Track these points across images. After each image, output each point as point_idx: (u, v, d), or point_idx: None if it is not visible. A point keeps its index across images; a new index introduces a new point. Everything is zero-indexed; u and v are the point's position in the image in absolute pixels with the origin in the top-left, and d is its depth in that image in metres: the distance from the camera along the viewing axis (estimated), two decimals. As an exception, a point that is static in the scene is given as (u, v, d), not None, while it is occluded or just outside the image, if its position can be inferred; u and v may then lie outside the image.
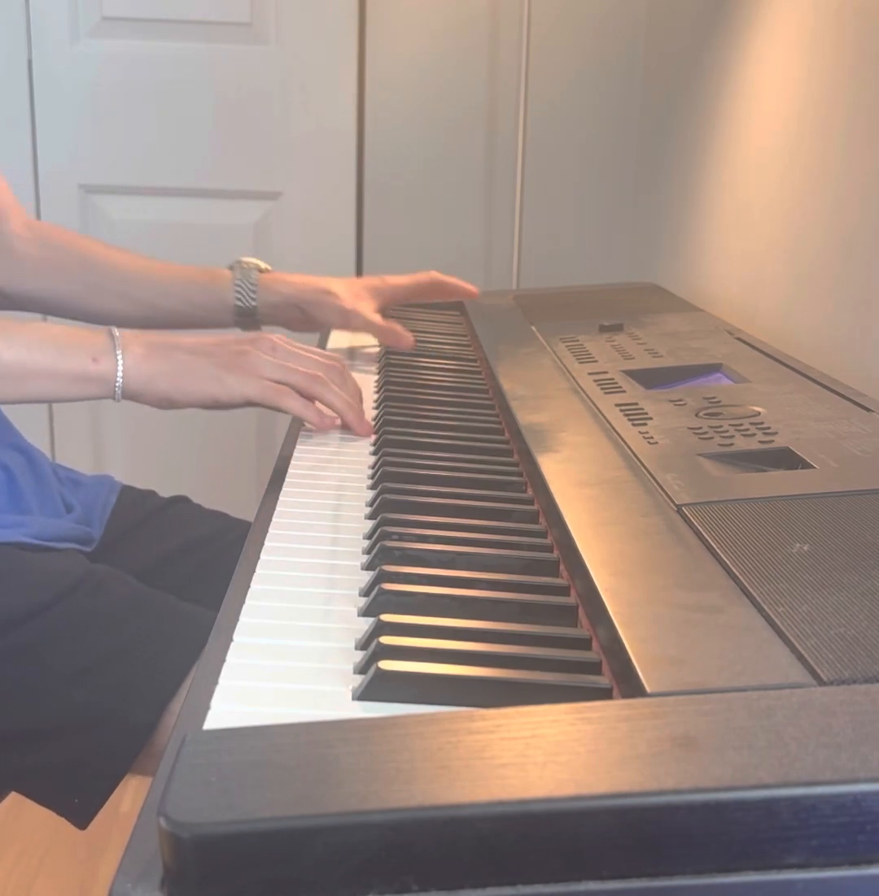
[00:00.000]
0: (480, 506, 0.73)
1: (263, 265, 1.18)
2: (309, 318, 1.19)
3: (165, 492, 1.15)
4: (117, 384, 0.85)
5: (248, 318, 1.17)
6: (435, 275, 1.28)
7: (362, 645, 0.54)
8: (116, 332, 0.86)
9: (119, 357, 0.85)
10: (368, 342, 1.28)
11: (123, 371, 0.85)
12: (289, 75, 1.98)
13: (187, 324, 1.17)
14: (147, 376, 0.85)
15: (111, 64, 1.96)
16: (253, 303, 1.15)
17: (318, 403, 0.90)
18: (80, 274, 1.14)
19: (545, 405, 0.91)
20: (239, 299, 1.15)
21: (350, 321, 1.17)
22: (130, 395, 0.86)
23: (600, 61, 2.02)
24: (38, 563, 0.87)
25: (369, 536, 0.69)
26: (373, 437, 0.90)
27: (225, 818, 0.34)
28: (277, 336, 0.91)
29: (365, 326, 1.18)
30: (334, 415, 0.90)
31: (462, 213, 2.07)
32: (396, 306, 1.32)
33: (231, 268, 1.16)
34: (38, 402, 0.88)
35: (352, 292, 1.19)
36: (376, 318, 1.17)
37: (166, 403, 0.87)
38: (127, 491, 1.11)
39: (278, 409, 0.87)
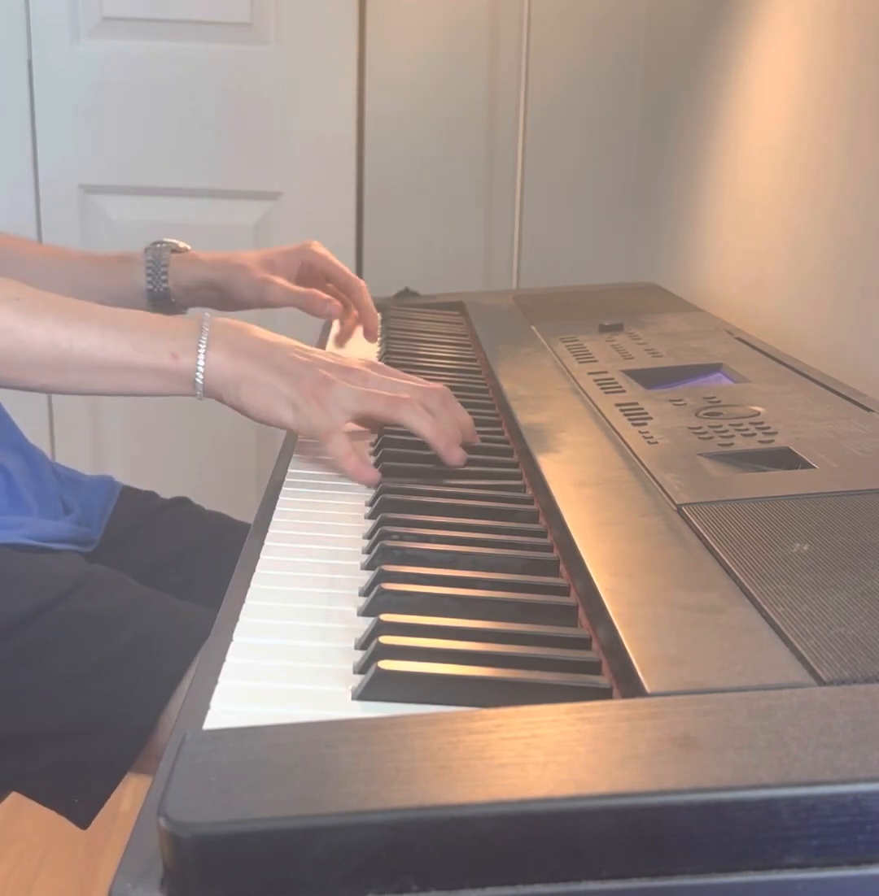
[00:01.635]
0: (480, 506, 0.73)
1: (180, 245, 1.11)
2: (225, 297, 1.11)
3: (165, 492, 1.15)
4: (198, 383, 0.79)
5: (162, 302, 1.10)
6: (307, 244, 1.14)
7: (362, 645, 0.54)
8: (207, 325, 0.79)
9: (201, 355, 0.78)
10: (366, 342, 1.28)
11: (204, 371, 0.78)
12: (289, 75, 1.98)
13: None
14: (227, 379, 0.79)
15: (111, 64, 1.96)
16: (164, 285, 1.09)
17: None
18: None
19: (545, 405, 0.91)
20: (150, 282, 1.09)
21: (265, 294, 1.08)
22: (211, 395, 0.80)
23: (600, 61, 2.02)
24: (37, 564, 0.87)
25: (369, 536, 0.69)
26: (373, 437, 0.90)
27: (225, 818, 0.34)
28: (374, 363, 0.84)
29: (282, 297, 1.08)
30: (373, 473, 0.80)
31: (462, 213, 2.07)
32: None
33: (145, 250, 1.10)
34: (121, 395, 0.81)
35: (266, 261, 1.10)
36: (293, 286, 1.08)
37: (241, 410, 0.80)
38: (127, 492, 1.11)
39: (329, 454, 0.80)
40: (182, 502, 1.13)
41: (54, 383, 0.80)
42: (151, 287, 1.09)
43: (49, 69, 1.95)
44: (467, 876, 0.35)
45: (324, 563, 0.65)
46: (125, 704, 0.80)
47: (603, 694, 0.50)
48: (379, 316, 1.28)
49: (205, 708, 0.48)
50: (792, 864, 0.36)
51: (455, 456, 0.80)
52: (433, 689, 0.49)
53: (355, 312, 1.21)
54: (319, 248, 1.16)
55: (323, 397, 0.78)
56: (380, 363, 0.87)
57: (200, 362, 0.78)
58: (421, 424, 0.79)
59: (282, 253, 1.14)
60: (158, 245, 1.10)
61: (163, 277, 1.08)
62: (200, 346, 0.78)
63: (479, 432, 0.90)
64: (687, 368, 1.02)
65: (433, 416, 0.80)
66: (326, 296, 1.09)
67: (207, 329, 0.79)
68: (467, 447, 0.82)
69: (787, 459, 0.74)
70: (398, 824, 0.34)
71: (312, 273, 1.17)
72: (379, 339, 1.30)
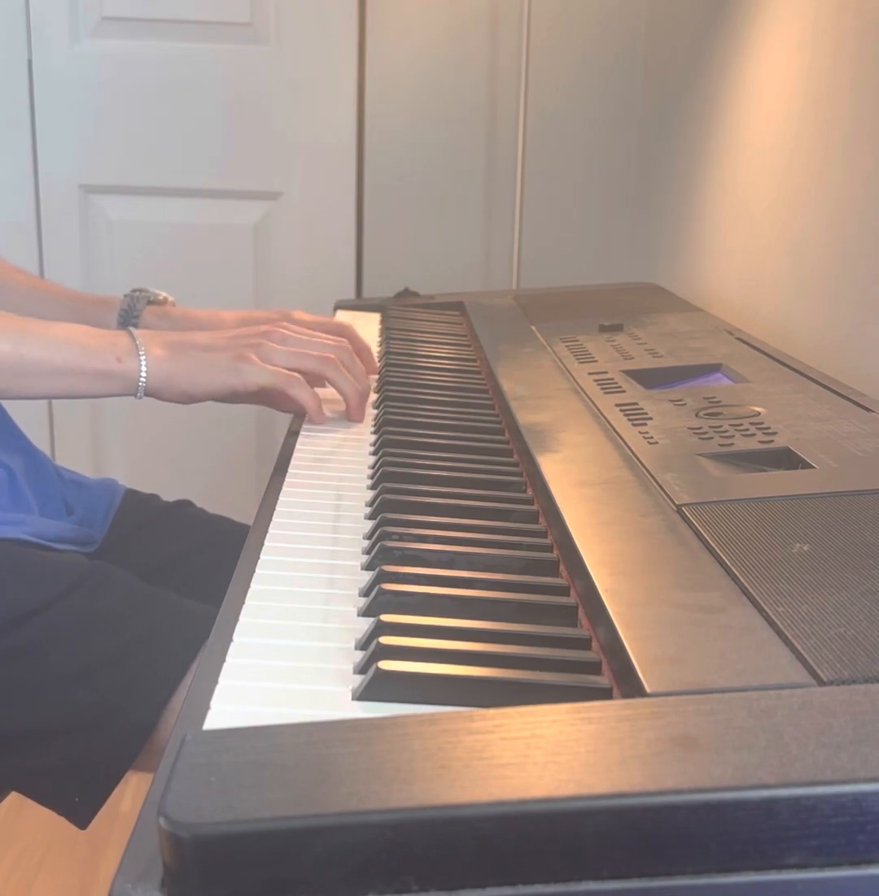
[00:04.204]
0: (480, 506, 0.73)
1: (161, 296, 1.09)
2: None
3: (165, 495, 1.15)
4: (141, 383, 0.88)
5: None
6: (347, 327, 1.07)
7: (362, 645, 0.54)
8: (135, 332, 0.90)
9: (142, 358, 0.88)
10: (365, 334, 1.28)
11: (146, 371, 0.88)
12: (289, 75, 1.98)
13: None
14: (167, 374, 0.89)
15: (111, 64, 1.96)
16: None
17: (324, 390, 0.95)
18: None
19: (545, 405, 0.91)
20: (120, 327, 1.06)
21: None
22: (150, 393, 0.90)
23: (600, 61, 2.02)
24: (39, 561, 0.87)
25: (369, 536, 0.69)
26: (373, 437, 0.90)
27: (225, 818, 0.34)
28: (286, 324, 0.95)
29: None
30: (332, 409, 0.96)
31: (462, 214, 2.07)
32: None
33: (125, 296, 1.09)
34: (65, 397, 0.92)
35: (248, 323, 1.03)
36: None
37: (185, 398, 0.91)
38: (130, 494, 1.11)
39: (287, 397, 0.91)
40: (184, 505, 1.13)
41: (10, 387, 0.87)
42: None
43: (49, 69, 1.95)
44: (467, 876, 0.35)
45: (324, 564, 0.65)
46: (127, 701, 0.81)
47: (603, 694, 0.50)
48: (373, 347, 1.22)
49: (205, 708, 0.48)
50: (792, 864, 0.36)
51: (360, 415, 0.95)
52: (433, 689, 0.49)
53: (373, 364, 1.13)
54: (302, 315, 1.10)
55: (259, 355, 0.90)
56: (285, 316, 1.02)
57: (143, 363, 0.88)
58: (344, 384, 0.94)
59: (300, 319, 1.07)
60: (136, 293, 1.10)
61: (133, 325, 1.07)
62: (140, 350, 0.89)
63: (479, 432, 0.91)
64: (687, 368, 1.02)
65: (348, 370, 0.94)
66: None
67: (137, 336, 0.90)
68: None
69: (787, 459, 0.74)
70: (398, 824, 0.34)
71: None
72: (379, 339, 1.30)
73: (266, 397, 0.95)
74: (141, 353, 0.88)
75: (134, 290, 1.11)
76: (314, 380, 0.94)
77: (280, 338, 0.93)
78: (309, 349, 0.93)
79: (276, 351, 0.91)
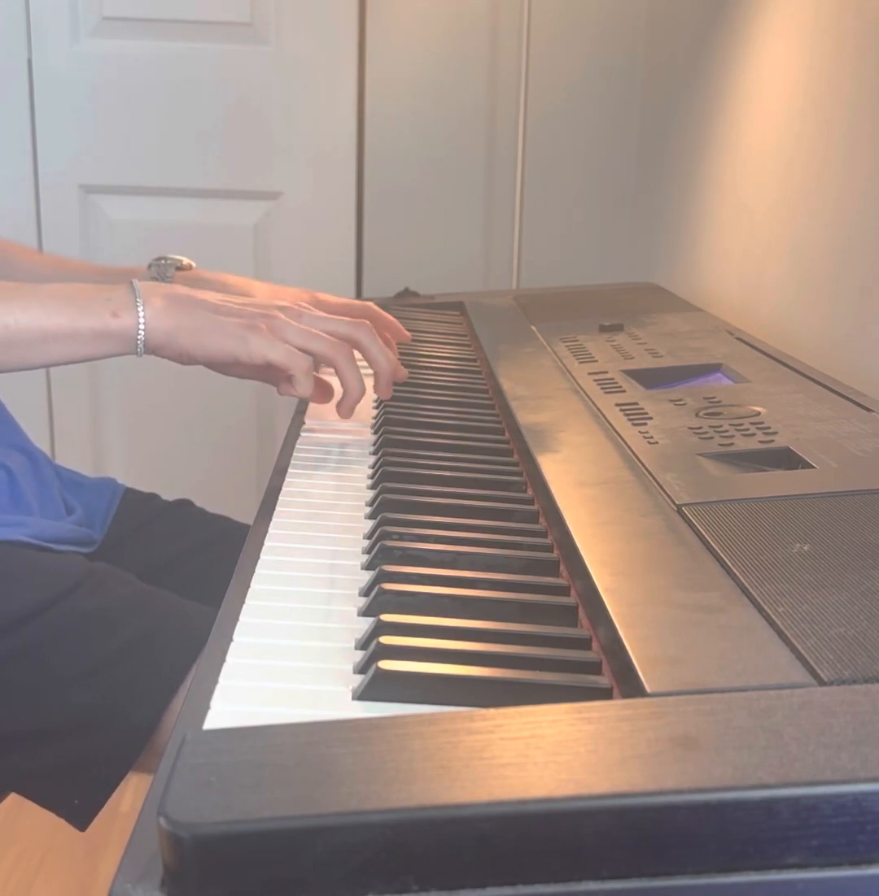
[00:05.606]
0: (480, 506, 0.73)
1: (184, 261, 1.10)
2: None
3: (165, 495, 1.15)
4: (139, 339, 0.82)
5: None
6: (371, 307, 1.09)
7: (362, 645, 0.54)
8: (137, 283, 0.84)
9: (140, 311, 0.82)
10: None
11: (144, 325, 0.82)
12: (289, 75, 1.98)
13: None
14: (168, 330, 0.82)
15: (111, 64, 1.96)
16: None
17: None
18: None
19: (545, 405, 0.91)
20: None
21: None
22: (150, 350, 0.83)
23: (600, 62, 2.02)
24: (39, 562, 0.87)
25: (369, 536, 0.69)
26: (373, 437, 0.90)
27: (225, 818, 0.34)
28: (304, 303, 0.90)
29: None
30: (331, 395, 0.93)
31: (462, 214, 2.07)
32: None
33: (150, 265, 1.09)
34: (61, 364, 0.85)
35: (274, 297, 1.05)
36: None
37: (187, 359, 0.84)
38: (130, 493, 1.11)
39: (288, 381, 0.85)
40: (184, 504, 1.13)
41: (1, 360, 0.81)
42: None
43: (49, 69, 1.95)
44: (466, 876, 0.35)
45: (324, 563, 0.65)
46: (127, 703, 0.80)
47: (603, 694, 0.50)
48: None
49: (205, 708, 0.48)
50: (792, 864, 0.36)
51: (347, 410, 0.89)
52: (433, 689, 0.49)
53: (404, 333, 1.15)
54: (328, 297, 1.10)
55: (271, 328, 0.84)
56: (312, 296, 0.97)
57: (141, 317, 0.81)
58: (351, 378, 0.87)
59: (293, 297, 1.08)
60: (162, 261, 1.09)
61: None
62: (138, 302, 0.82)
63: (479, 432, 0.90)
64: (687, 368, 1.02)
65: (369, 347, 0.89)
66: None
67: (138, 288, 0.83)
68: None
69: (787, 459, 0.74)
70: (398, 824, 0.34)
71: None
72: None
73: (267, 374, 0.89)
74: (139, 304, 0.82)
75: (158, 258, 1.09)
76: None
77: (296, 314, 0.87)
78: (324, 328, 0.87)
79: (289, 326, 0.85)
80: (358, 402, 0.89)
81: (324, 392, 0.94)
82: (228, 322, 0.83)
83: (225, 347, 0.83)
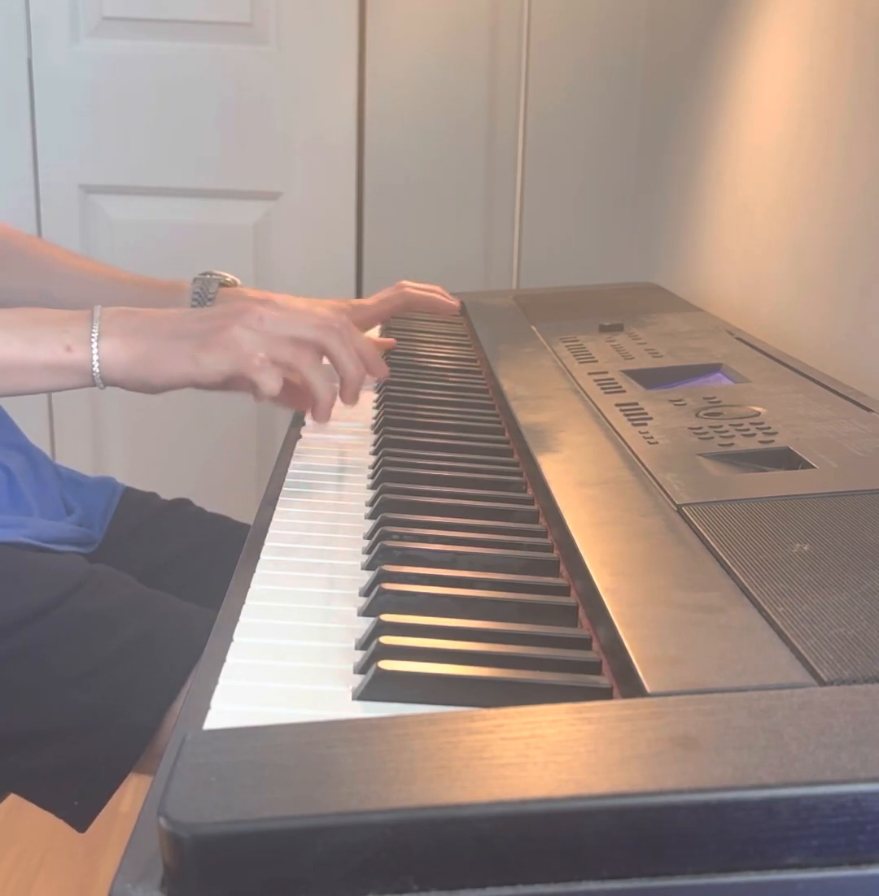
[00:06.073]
0: (480, 506, 0.73)
1: (228, 278, 1.09)
2: None
3: (165, 494, 1.15)
4: (95, 374, 0.79)
5: None
6: (407, 291, 1.14)
7: (362, 645, 0.54)
8: (97, 313, 0.80)
9: (94, 345, 0.79)
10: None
11: (99, 359, 0.79)
12: (289, 75, 1.98)
13: None
14: (125, 363, 0.79)
15: (111, 64, 1.96)
16: None
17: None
18: (36, 280, 1.08)
19: (545, 405, 0.91)
20: None
21: None
22: (110, 383, 0.80)
23: (600, 61, 2.02)
24: (39, 563, 0.87)
25: (369, 536, 0.69)
26: (373, 437, 0.90)
27: (225, 818, 0.34)
28: (266, 306, 0.83)
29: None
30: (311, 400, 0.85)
31: (462, 214, 2.07)
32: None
33: (194, 280, 1.09)
34: (12, 395, 0.82)
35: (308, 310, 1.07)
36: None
37: (148, 389, 0.81)
38: (129, 493, 1.11)
39: (253, 384, 0.80)
40: (184, 504, 1.13)
41: None
42: None
43: (49, 69, 1.95)
44: (466, 876, 0.35)
45: (324, 563, 0.65)
46: (127, 704, 0.80)
47: (603, 694, 0.50)
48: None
49: (205, 708, 0.48)
50: (792, 864, 0.36)
51: (352, 400, 0.85)
52: (433, 689, 0.49)
53: (449, 302, 1.23)
54: (363, 302, 1.14)
55: (223, 341, 0.79)
56: (274, 296, 0.91)
57: (95, 352, 0.79)
58: (317, 386, 0.81)
59: (361, 306, 1.11)
60: (207, 276, 1.08)
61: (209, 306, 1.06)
62: (93, 335, 0.79)
63: (479, 432, 0.90)
64: (687, 368, 1.02)
65: (337, 354, 0.83)
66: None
67: (98, 317, 0.80)
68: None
69: (787, 459, 0.74)
70: (398, 824, 0.34)
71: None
72: (378, 337, 1.30)
73: (237, 386, 0.83)
74: (94, 338, 0.79)
75: (204, 273, 1.09)
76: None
77: (256, 318, 0.80)
78: (289, 333, 0.81)
79: (244, 336, 0.79)
80: (331, 406, 0.84)
81: (302, 397, 0.87)
82: (180, 347, 0.79)
83: (179, 371, 0.80)
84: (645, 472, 0.72)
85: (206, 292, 1.06)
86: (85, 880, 1.57)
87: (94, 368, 0.79)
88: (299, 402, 0.89)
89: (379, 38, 2.00)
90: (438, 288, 1.26)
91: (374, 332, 1.34)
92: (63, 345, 0.79)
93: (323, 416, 0.84)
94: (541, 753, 0.37)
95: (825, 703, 0.41)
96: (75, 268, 1.10)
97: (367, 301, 1.14)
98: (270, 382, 0.79)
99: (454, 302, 1.22)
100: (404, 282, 1.22)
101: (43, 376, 0.79)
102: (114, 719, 0.80)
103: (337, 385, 0.85)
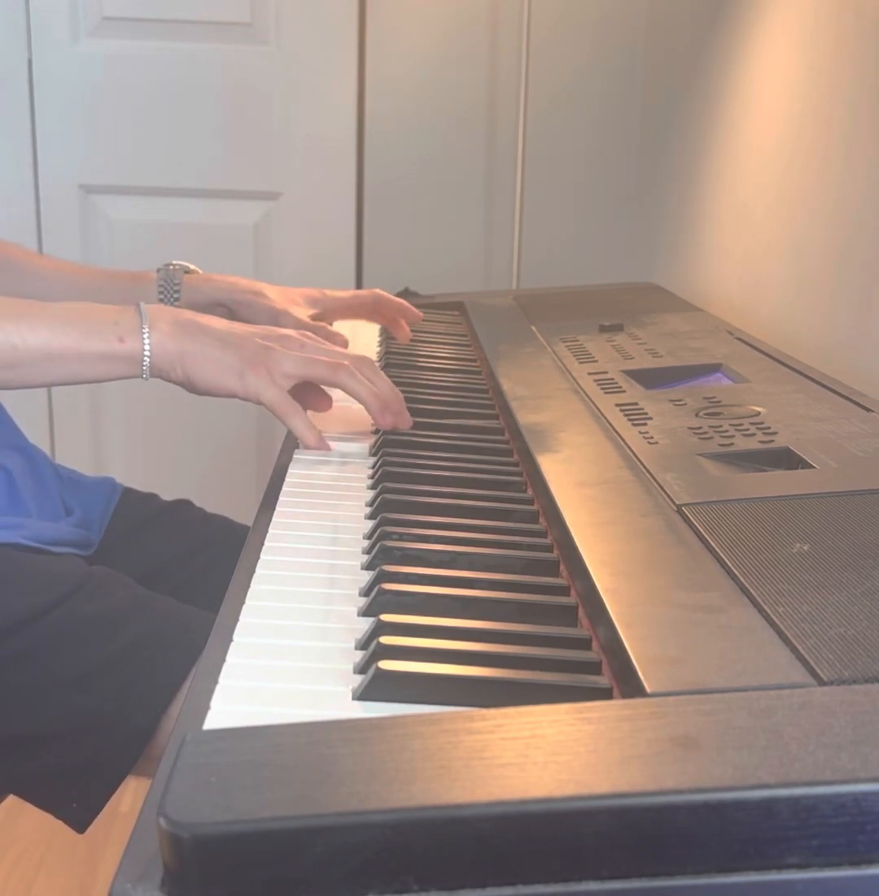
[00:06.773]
0: (480, 506, 0.73)
1: (191, 267, 1.12)
2: (237, 319, 1.07)
3: (165, 494, 1.14)
4: (144, 364, 0.83)
5: None
6: (379, 293, 1.18)
7: (362, 645, 0.54)
8: (144, 308, 0.85)
9: (145, 336, 0.83)
10: (365, 340, 1.28)
11: (150, 350, 0.83)
12: (289, 75, 1.98)
13: None
14: (173, 355, 0.84)
15: (111, 64, 1.96)
16: (176, 303, 1.09)
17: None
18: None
19: (545, 405, 0.91)
20: (161, 299, 1.09)
21: (280, 323, 1.07)
22: (156, 374, 0.85)
23: (600, 61, 2.02)
24: (37, 565, 0.87)
25: (369, 536, 0.69)
26: (373, 438, 0.90)
27: (225, 818, 0.34)
28: (305, 332, 0.90)
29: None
30: (329, 403, 0.92)
31: (462, 214, 2.07)
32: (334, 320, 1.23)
33: (158, 270, 1.11)
34: (67, 384, 0.87)
35: (285, 297, 1.12)
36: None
37: (189, 386, 0.86)
38: (129, 493, 1.11)
39: (284, 423, 0.86)
40: (184, 504, 1.13)
41: (6, 380, 0.83)
42: (162, 303, 1.09)
43: (49, 69, 1.95)
44: (466, 876, 0.35)
45: (324, 564, 0.65)
46: (126, 706, 0.80)
47: (603, 694, 0.50)
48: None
49: (205, 708, 0.48)
50: (792, 864, 0.36)
51: (388, 420, 0.88)
52: (433, 689, 0.49)
53: (414, 312, 1.24)
54: (336, 292, 1.18)
55: (268, 363, 0.84)
56: (310, 330, 0.96)
57: (146, 343, 0.83)
58: (359, 388, 0.86)
59: (304, 296, 1.14)
60: (170, 266, 1.11)
61: (175, 296, 1.09)
62: (144, 328, 0.83)
63: (479, 432, 0.90)
64: (687, 368, 1.02)
65: (370, 381, 0.87)
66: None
67: (145, 313, 0.84)
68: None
69: (787, 459, 0.74)
70: (398, 824, 0.34)
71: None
72: (379, 339, 1.30)
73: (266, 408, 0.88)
74: (145, 329, 0.83)
75: (167, 264, 1.11)
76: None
77: (297, 344, 0.87)
78: (324, 356, 0.87)
79: (288, 357, 0.85)
80: (388, 407, 0.87)
81: (322, 400, 0.93)
82: (229, 358, 0.84)
83: (224, 382, 0.84)
84: (645, 472, 0.72)
85: (171, 280, 1.08)
86: (85, 880, 1.57)
87: (144, 358, 0.83)
88: (320, 404, 0.93)
89: (379, 38, 1.99)
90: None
91: (373, 332, 1.34)
92: (116, 336, 0.83)
93: (382, 418, 0.88)
94: (541, 753, 0.37)
95: (825, 703, 0.41)
96: (37, 267, 1.11)
97: (339, 292, 1.17)
98: (305, 432, 0.86)
99: (417, 314, 1.24)
100: (379, 290, 1.24)
101: (96, 365, 0.84)
102: (112, 722, 0.80)
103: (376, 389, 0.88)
